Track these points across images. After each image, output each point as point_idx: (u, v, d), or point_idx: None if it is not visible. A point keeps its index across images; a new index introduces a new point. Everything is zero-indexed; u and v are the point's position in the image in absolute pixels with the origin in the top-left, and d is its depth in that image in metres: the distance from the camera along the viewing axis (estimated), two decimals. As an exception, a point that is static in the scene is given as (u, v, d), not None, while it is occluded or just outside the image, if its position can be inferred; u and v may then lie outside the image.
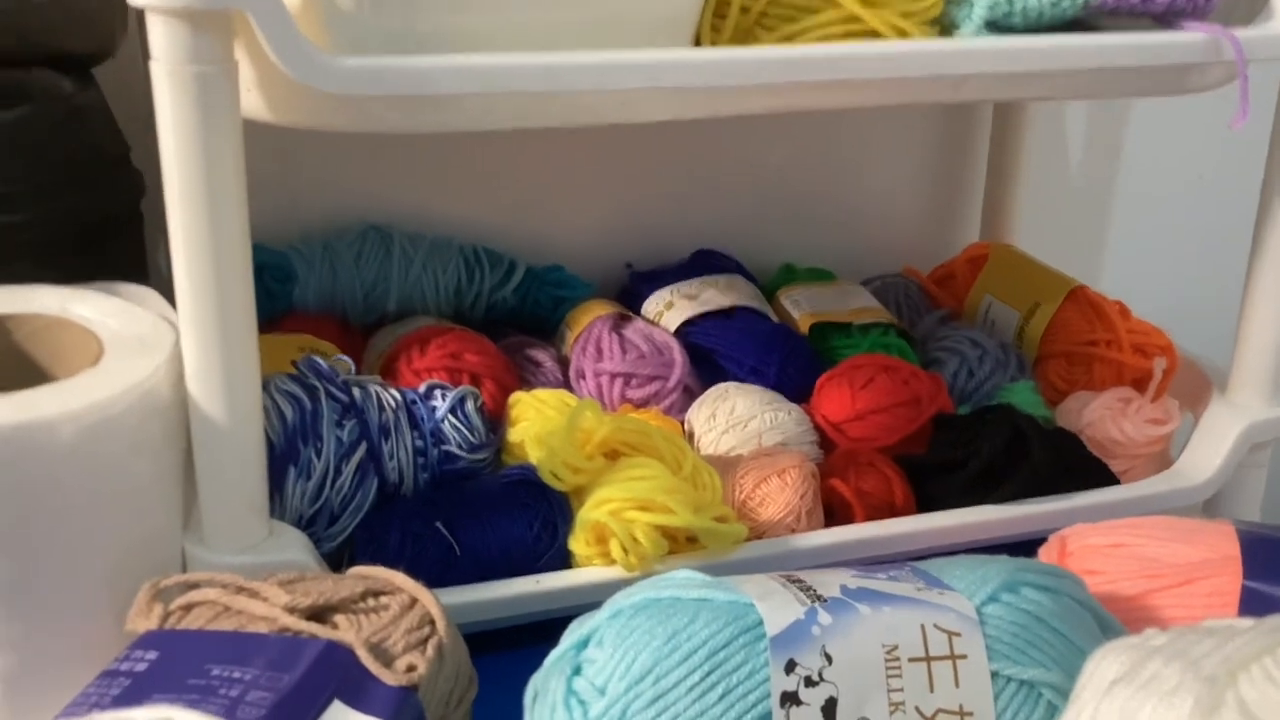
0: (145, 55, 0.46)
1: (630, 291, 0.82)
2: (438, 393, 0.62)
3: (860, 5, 0.55)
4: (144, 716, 0.39)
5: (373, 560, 0.52)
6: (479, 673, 0.48)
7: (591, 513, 0.57)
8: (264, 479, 0.53)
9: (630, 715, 0.42)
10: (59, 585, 0.47)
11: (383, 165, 0.79)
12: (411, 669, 0.43)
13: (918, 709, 0.43)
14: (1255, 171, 0.68)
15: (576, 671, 0.44)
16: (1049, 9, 0.57)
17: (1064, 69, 0.58)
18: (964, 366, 0.75)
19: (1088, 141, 1.00)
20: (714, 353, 0.74)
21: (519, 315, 0.80)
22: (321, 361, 0.60)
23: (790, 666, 0.43)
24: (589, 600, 0.49)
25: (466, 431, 0.61)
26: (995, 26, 0.58)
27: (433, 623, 0.45)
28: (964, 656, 0.44)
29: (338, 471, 0.57)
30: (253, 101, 0.50)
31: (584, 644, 0.44)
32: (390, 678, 0.42)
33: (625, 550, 0.56)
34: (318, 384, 0.58)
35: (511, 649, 0.54)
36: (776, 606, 0.44)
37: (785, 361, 0.73)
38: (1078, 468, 0.66)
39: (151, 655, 0.42)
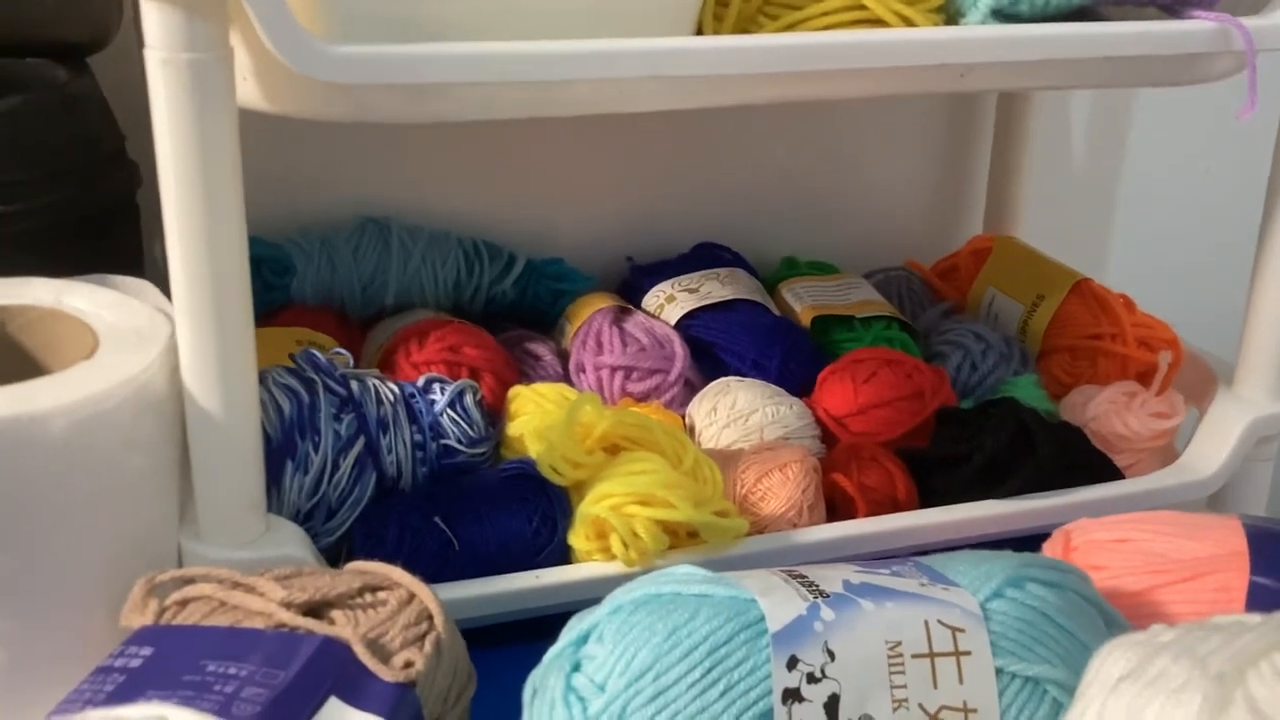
0: (141, 44, 0.46)
1: (631, 284, 0.82)
2: (436, 386, 0.62)
3: (864, -7, 0.55)
4: (138, 713, 0.38)
5: (371, 555, 0.51)
6: (477, 669, 0.48)
7: (591, 507, 0.56)
8: (261, 473, 0.52)
9: (630, 712, 0.41)
10: (52, 580, 0.47)
11: (381, 157, 0.79)
12: (409, 665, 0.43)
13: (921, 706, 0.43)
14: (1262, 164, 0.68)
15: (576, 668, 0.43)
16: (1055, -3, 0.57)
17: (1070, 58, 0.57)
18: (967, 360, 0.75)
19: (1092, 133, 0.99)
20: (715, 346, 0.74)
21: (518, 308, 0.80)
22: (319, 355, 0.59)
23: (792, 663, 0.42)
24: (589, 596, 0.49)
25: (465, 425, 0.61)
26: (1002, 15, 0.57)
27: (431, 618, 0.45)
28: (968, 653, 0.44)
29: (335, 466, 0.57)
30: (249, 90, 0.49)
31: (584, 640, 0.44)
32: (388, 674, 0.42)
33: (625, 545, 0.56)
34: (315, 377, 0.58)
35: (510, 645, 0.54)
36: (778, 602, 0.43)
37: (787, 355, 0.72)
38: (1082, 462, 0.66)
39: (146, 651, 0.42)
